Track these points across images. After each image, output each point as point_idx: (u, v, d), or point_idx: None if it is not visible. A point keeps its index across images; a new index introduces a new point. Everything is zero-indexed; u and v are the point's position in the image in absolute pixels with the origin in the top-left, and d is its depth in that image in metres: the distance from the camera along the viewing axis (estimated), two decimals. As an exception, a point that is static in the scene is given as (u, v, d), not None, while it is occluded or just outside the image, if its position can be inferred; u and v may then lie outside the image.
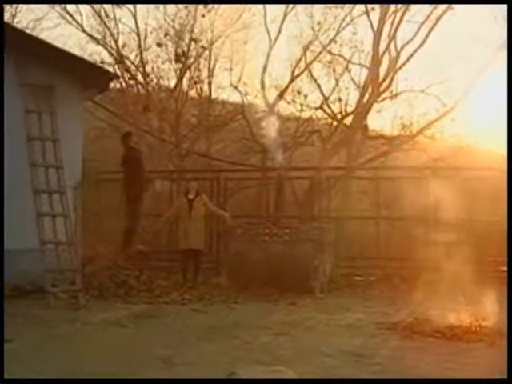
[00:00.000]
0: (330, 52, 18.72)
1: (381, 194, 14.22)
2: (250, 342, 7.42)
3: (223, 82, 20.35)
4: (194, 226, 11.93)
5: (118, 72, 19.32)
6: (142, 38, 21.02)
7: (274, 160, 12.41)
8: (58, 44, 12.26)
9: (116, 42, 21.12)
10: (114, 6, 20.60)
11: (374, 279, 12.65)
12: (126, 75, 20.11)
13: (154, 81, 21.01)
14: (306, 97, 19.24)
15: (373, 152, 17.92)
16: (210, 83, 20.73)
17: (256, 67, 19.34)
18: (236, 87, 19.55)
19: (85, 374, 5.92)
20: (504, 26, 17.72)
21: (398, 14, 17.91)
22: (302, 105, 19.05)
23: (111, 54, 21.09)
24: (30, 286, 10.13)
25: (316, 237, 11.56)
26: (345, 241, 13.82)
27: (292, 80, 19.58)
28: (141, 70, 20.98)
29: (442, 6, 17.19)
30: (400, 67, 17.93)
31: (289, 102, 18.86)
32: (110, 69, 18.48)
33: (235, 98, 20.08)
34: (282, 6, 19.68)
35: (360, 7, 18.41)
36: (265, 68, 19.48)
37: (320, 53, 19.24)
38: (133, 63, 21.06)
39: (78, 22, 21.13)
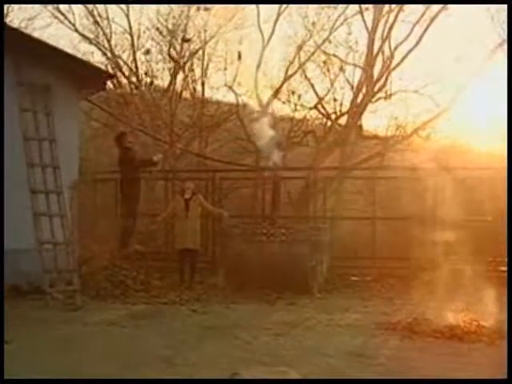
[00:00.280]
0: (324, 52, 18.70)
1: (376, 193, 14.22)
2: (251, 342, 7.41)
3: (218, 82, 20.26)
4: (191, 226, 11.91)
5: (111, 72, 19.20)
6: (136, 37, 20.96)
7: (270, 160, 12.36)
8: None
9: (109, 41, 21.04)
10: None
11: (370, 279, 12.67)
12: (119, 75, 20.00)
13: (148, 80, 20.96)
14: (299, 97, 19.23)
15: (367, 152, 17.92)
16: (203, 83, 20.68)
17: (250, 67, 19.31)
18: (231, 87, 19.51)
19: (87, 375, 5.89)
20: (499, 26, 17.89)
21: (392, 14, 17.91)
22: (296, 105, 19.05)
23: (104, 54, 21.01)
24: (27, 286, 10.13)
25: (313, 237, 11.57)
26: (340, 241, 13.81)
27: (285, 80, 19.57)
28: (133, 69, 20.91)
29: (437, 6, 17.23)
30: (394, 67, 17.94)
31: (284, 102, 18.85)
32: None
33: (230, 98, 20.06)
34: (276, 6, 19.67)
35: (354, 7, 18.43)
36: (258, 68, 19.46)
37: (313, 52, 19.22)
38: (125, 63, 20.99)
39: (70, 22, 21.02)
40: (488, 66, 17.70)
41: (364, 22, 18.16)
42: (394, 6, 17.91)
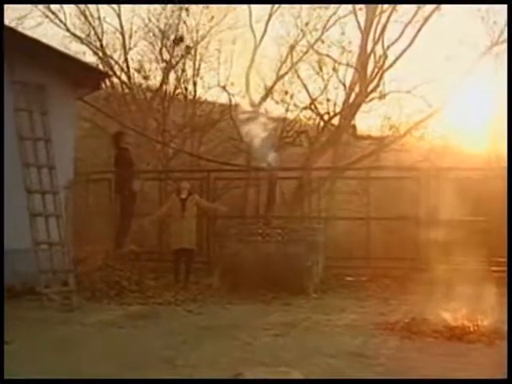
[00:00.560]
0: (317, 52, 18.71)
1: (370, 193, 14.23)
2: (250, 343, 7.39)
3: (211, 81, 20.23)
4: (187, 226, 11.90)
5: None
6: (127, 36, 20.89)
7: (265, 160, 12.33)
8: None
9: (100, 41, 20.98)
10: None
11: (365, 279, 12.67)
12: (110, 74, 19.88)
13: (139, 80, 20.92)
14: (291, 97, 19.21)
15: (360, 152, 17.94)
16: (195, 83, 20.64)
17: (243, 67, 19.30)
18: (224, 87, 19.49)
19: (88, 376, 5.87)
20: (489, 27, 17.99)
21: (385, 15, 17.93)
22: (288, 104, 19.04)
23: (95, 54, 20.93)
24: (21, 286, 10.06)
25: (308, 237, 11.57)
26: (334, 241, 13.81)
27: (277, 80, 19.56)
28: (125, 69, 20.85)
29: (429, 7, 17.27)
30: (388, 68, 17.96)
31: (277, 102, 18.84)
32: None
33: (222, 98, 20.03)
34: (268, 6, 19.66)
35: (347, 7, 18.44)
36: (250, 68, 19.44)
37: (306, 52, 19.23)
38: (117, 62, 20.92)
39: (61, 21, 20.92)
40: (479, 66, 17.82)
41: (357, 22, 18.19)
42: (386, 6, 17.93)
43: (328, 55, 18.58)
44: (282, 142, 17.81)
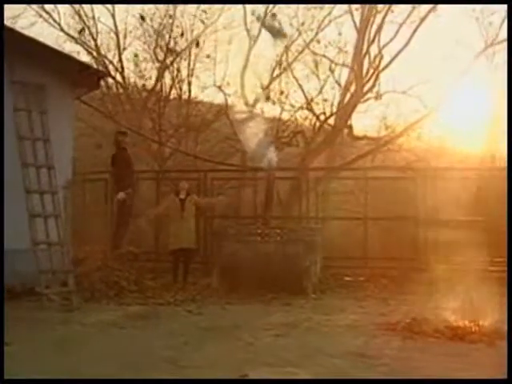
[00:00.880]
0: (313, 52, 18.70)
1: (367, 193, 14.24)
2: (252, 343, 7.39)
3: (206, 81, 20.19)
4: (186, 226, 11.92)
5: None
6: (121, 36, 20.84)
7: (263, 160, 12.34)
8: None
9: (95, 40, 20.92)
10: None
11: (363, 279, 12.69)
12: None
13: (134, 80, 20.89)
14: (286, 97, 19.20)
15: (356, 152, 17.95)
16: (189, 83, 20.61)
17: (238, 67, 19.27)
18: (220, 87, 19.45)
19: (91, 376, 5.86)
20: (484, 28, 18.04)
21: (381, 15, 17.93)
22: (283, 103, 19.02)
23: (89, 53, 20.88)
24: (20, 287, 10.02)
25: (307, 237, 11.58)
26: (331, 241, 13.80)
27: (272, 80, 19.53)
28: (119, 69, 20.81)
29: (425, 7, 17.29)
30: (384, 68, 17.97)
31: (274, 102, 18.80)
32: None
33: (216, 98, 20.00)
34: (262, 6, 19.60)
35: (343, 7, 18.44)
36: (244, 68, 19.41)
37: (301, 52, 19.20)
38: (111, 62, 20.87)
39: (55, 21, 20.85)
40: (476, 66, 17.86)
41: (354, 22, 18.19)
42: (382, 6, 17.93)
43: (324, 55, 18.56)
44: (278, 142, 17.79)
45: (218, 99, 19.93)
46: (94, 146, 18.51)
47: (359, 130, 18.79)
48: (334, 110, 18.52)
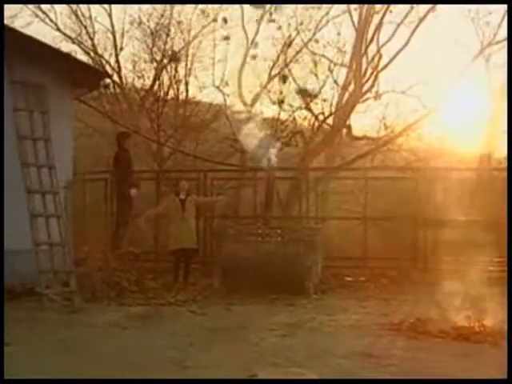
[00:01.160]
0: (312, 52, 18.70)
1: (366, 193, 14.24)
2: (258, 343, 7.35)
3: (204, 81, 20.17)
4: (187, 226, 11.90)
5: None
6: (118, 36, 20.80)
7: (263, 160, 12.30)
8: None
9: (92, 40, 20.87)
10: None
11: (364, 279, 12.68)
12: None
13: (131, 80, 20.85)
14: (284, 97, 19.20)
15: (356, 152, 17.95)
16: (187, 83, 20.57)
17: (236, 67, 19.24)
18: (218, 87, 19.44)
19: (96, 377, 5.81)
20: (480, 28, 18.08)
21: (379, 15, 17.92)
22: (282, 103, 19.00)
23: (86, 53, 20.82)
24: (21, 287, 9.96)
25: (308, 237, 11.54)
26: (331, 241, 13.80)
27: (270, 80, 19.52)
28: (116, 69, 20.76)
29: (424, 8, 17.29)
30: (383, 68, 17.97)
31: (274, 102, 18.80)
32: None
33: (217, 98, 19.97)
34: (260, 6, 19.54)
35: (340, 7, 18.44)
36: (242, 68, 19.38)
37: (299, 52, 19.19)
38: (108, 62, 20.82)
39: (52, 20, 20.79)
40: (473, 67, 17.89)
41: (352, 22, 18.19)
42: (380, 6, 17.93)
43: (323, 55, 18.57)
44: (277, 142, 17.78)
45: (217, 99, 19.97)
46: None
47: (358, 130, 18.83)
48: (333, 109, 18.52)
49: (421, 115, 17.90)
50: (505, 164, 14.19)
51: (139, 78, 20.43)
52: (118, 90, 20.67)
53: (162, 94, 20.25)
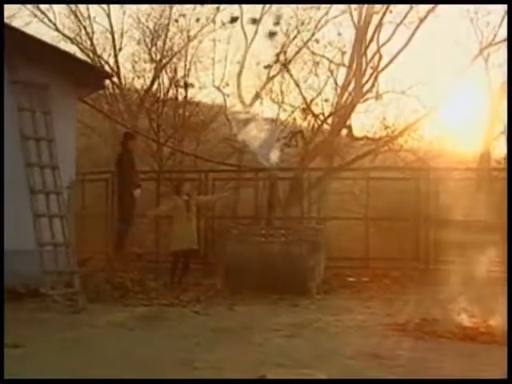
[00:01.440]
0: (312, 52, 18.71)
1: (367, 194, 14.24)
2: (264, 344, 7.32)
3: (204, 81, 20.16)
4: (191, 227, 11.89)
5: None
6: (117, 36, 20.80)
7: (265, 160, 12.29)
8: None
9: (91, 40, 20.86)
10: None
11: (366, 280, 12.67)
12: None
13: (130, 80, 20.86)
14: (283, 97, 19.21)
15: (355, 153, 17.95)
16: (185, 83, 20.54)
17: (235, 67, 19.23)
18: (218, 87, 19.43)
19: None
20: (478, 29, 18.09)
21: (379, 16, 17.92)
22: (281, 103, 19.02)
23: (85, 53, 20.79)
24: (24, 288, 9.93)
25: (310, 237, 11.54)
26: (332, 241, 13.80)
27: (268, 80, 19.51)
28: (115, 69, 20.74)
29: (424, 8, 17.30)
30: (383, 68, 17.98)
31: (275, 102, 18.81)
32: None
33: (217, 98, 19.97)
34: (259, 6, 19.55)
35: (340, 7, 18.45)
36: (241, 68, 19.37)
37: (298, 52, 19.18)
38: (107, 62, 20.81)
39: (50, 20, 20.77)
40: (473, 67, 17.91)
41: (353, 22, 18.18)
42: (380, 7, 17.92)
43: (323, 55, 18.57)
44: (277, 142, 17.76)
45: (217, 99, 19.96)
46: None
47: (358, 131, 18.83)
48: (333, 110, 18.51)
49: (421, 115, 17.91)
50: (504, 164, 14.24)
51: (138, 78, 20.44)
52: (117, 91, 20.66)
53: (161, 94, 20.26)
